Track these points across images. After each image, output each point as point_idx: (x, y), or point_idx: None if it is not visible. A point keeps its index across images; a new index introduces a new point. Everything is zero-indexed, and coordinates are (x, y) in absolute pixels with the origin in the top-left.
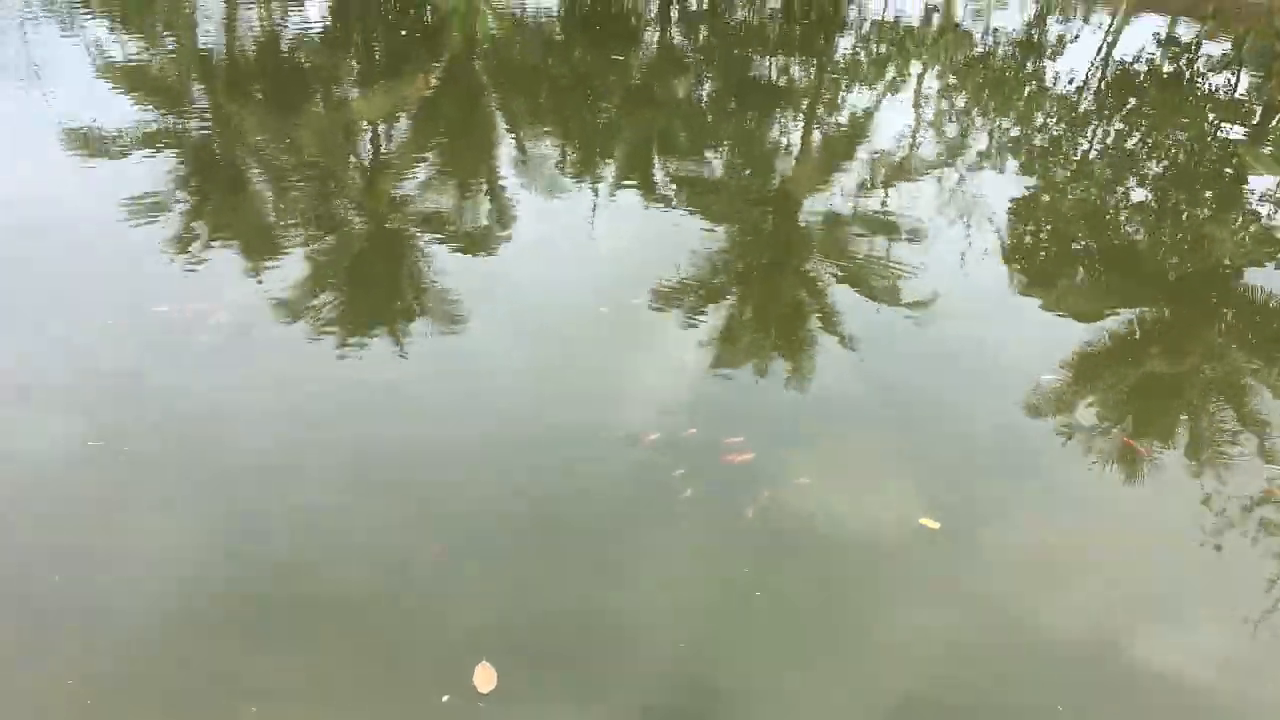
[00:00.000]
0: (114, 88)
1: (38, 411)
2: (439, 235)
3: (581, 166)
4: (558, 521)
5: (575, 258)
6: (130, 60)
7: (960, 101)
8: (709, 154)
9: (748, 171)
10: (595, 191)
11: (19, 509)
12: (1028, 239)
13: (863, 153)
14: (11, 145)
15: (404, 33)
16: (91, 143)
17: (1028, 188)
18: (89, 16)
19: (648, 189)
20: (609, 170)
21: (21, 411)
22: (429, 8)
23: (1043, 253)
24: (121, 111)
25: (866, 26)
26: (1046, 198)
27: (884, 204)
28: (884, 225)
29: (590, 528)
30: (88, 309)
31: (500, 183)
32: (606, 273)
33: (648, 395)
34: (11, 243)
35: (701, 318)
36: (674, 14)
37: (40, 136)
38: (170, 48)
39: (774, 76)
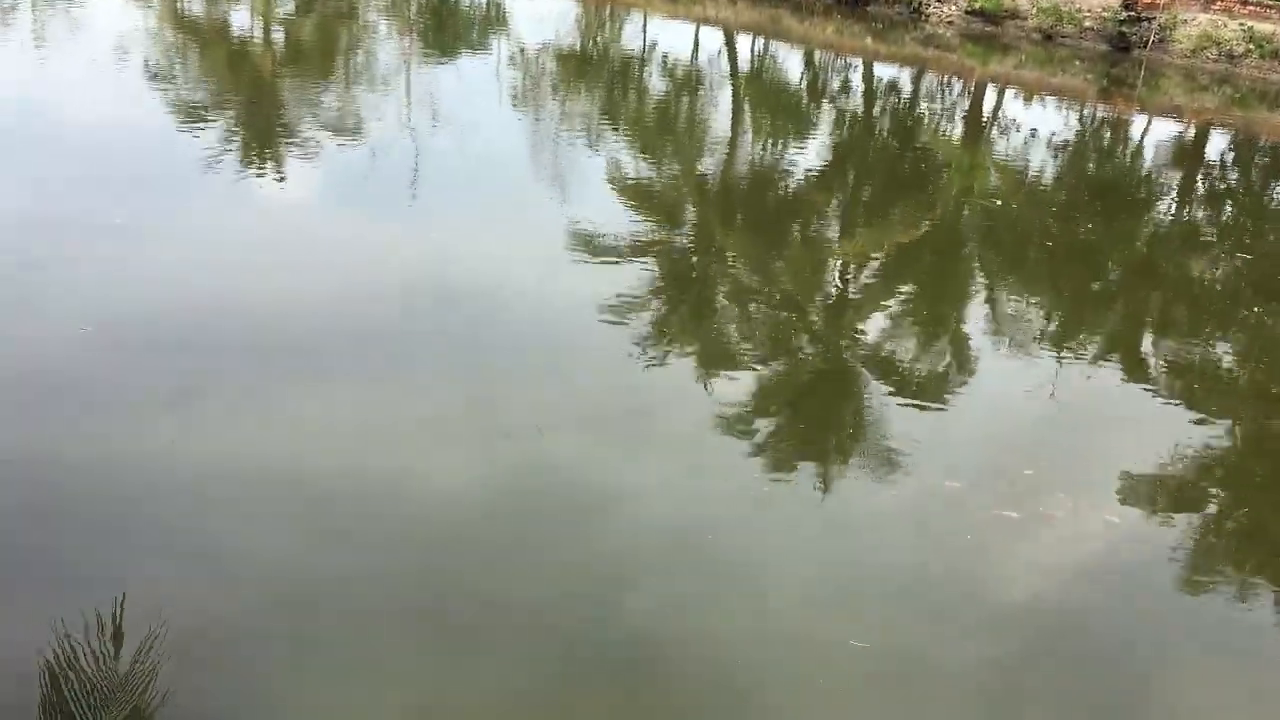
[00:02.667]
0: (620, 201)
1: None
2: (892, 377)
3: (1061, 333)
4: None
5: (1033, 424)
6: (639, 179)
7: None
8: (1215, 342)
9: (1263, 366)
10: (1069, 359)
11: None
12: None
13: None
14: (525, 238)
15: (897, 178)
16: (591, 245)
17: None
18: (614, 137)
19: (1133, 368)
20: (1091, 341)
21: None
22: (926, 157)
23: None
24: (622, 222)
25: None
26: None
27: None
28: None
29: None
30: (551, 388)
31: (966, 336)
32: (1067, 448)
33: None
34: (497, 321)
35: (1179, 520)
36: (1199, 188)
37: (551, 234)
38: (675, 171)
39: None
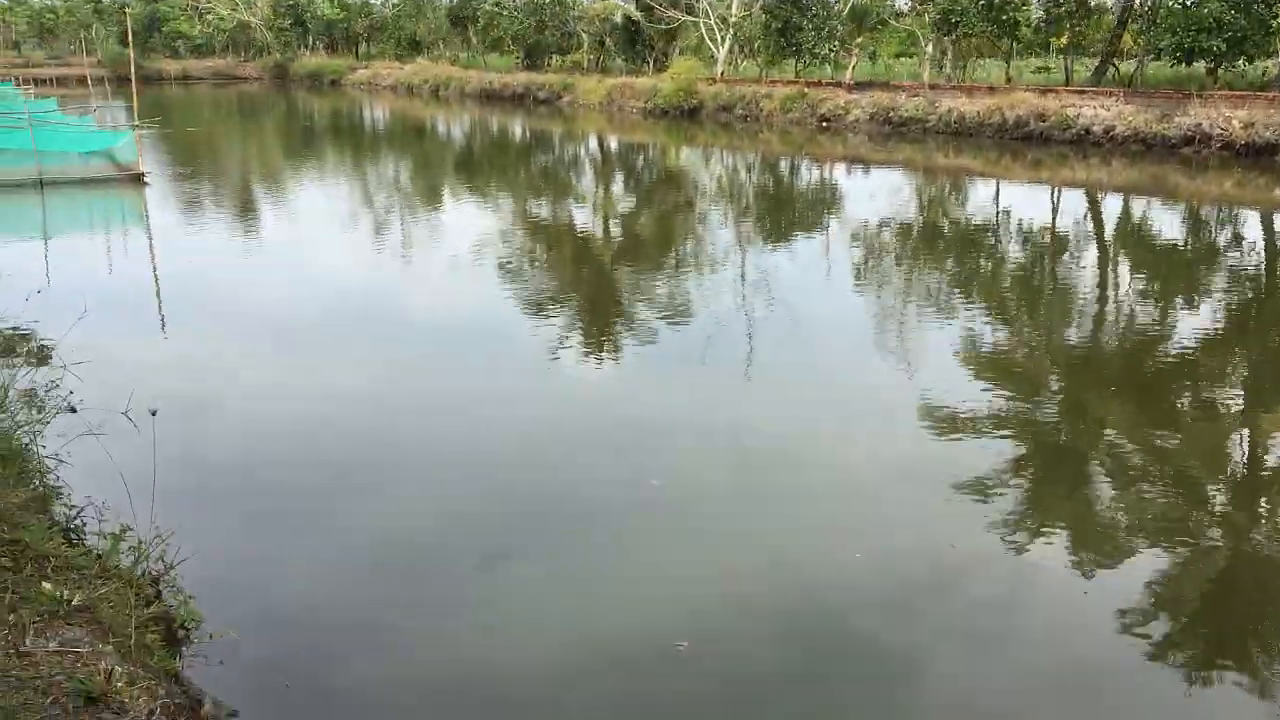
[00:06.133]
0: (973, 374)
1: None
2: None
3: None
4: None
5: None
6: (994, 349)
7: None
8: None
9: None
10: None
11: None
12: None
13: None
14: (872, 409)
15: None
16: (941, 418)
17: None
18: (965, 309)
19: None
20: None
21: None
22: None
23: None
24: (977, 396)
25: None
26: None
27: None
28: None
29: None
30: (910, 576)
31: None
32: None
33: None
34: (830, 480)
35: None
36: None
37: (898, 408)
38: (1035, 340)
39: None
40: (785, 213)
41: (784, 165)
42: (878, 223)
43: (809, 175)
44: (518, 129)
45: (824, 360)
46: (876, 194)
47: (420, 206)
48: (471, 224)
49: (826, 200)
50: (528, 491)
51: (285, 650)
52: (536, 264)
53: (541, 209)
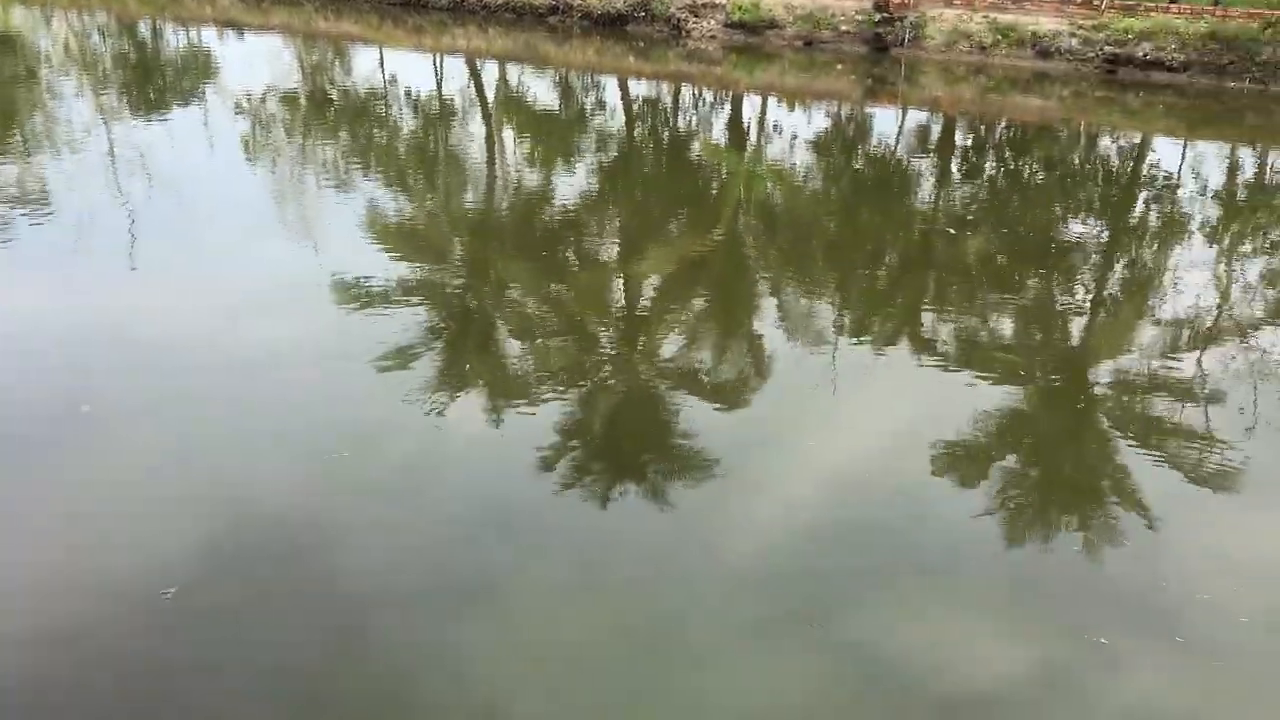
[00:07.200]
0: (380, 245)
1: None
2: (693, 388)
3: (850, 323)
4: None
5: (836, 412)
6: (398, 219)
7: None
8: (991, 315)
9: (1036, 335)
10: (863, 347)
11: None
12: None
13: (1165, 315)
14: (282, 293)
15: (672, 194)
16: (355, 294)
17: None
18: (365, 178)
19: (921, 347)
20: (879, 327)
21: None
22: (697, 171)
23: None
24: (387, 267)
25: (1163, 184)
26: None
27: (1196, 371)
28: (1188, 392)
29: None
30: (328, 442)
31: (760, 338)
32: (872, 431)
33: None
34: (258, 377)
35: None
36: (961, 172)
37: (309, 287)
38: (435, 208)
39: (1066, 235)
40: (155, 83)
41: (145, 29)
42: (262, 93)
43: (177, 41)
44: None
45: (224, 245)
46: (257, 62)
47: None
48: None
49: (202, 68)
50: None
51: None
52: None
53: None
